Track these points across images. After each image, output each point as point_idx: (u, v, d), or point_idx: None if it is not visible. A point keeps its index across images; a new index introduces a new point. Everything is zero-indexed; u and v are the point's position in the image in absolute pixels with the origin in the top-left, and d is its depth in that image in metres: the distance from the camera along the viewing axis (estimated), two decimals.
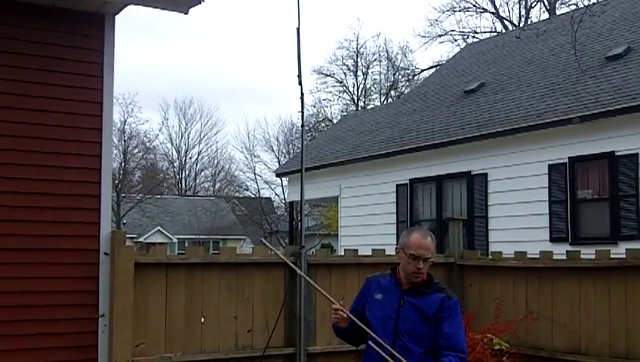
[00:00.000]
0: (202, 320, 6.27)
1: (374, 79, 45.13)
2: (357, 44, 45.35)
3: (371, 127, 19.08)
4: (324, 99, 45.85)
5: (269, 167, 44.56)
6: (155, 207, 45.93)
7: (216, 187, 59.39)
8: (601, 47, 14.53)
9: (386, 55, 44.57)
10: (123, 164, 43.25)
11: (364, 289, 4.08)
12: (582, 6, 14.99)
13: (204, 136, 59.41)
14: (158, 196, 48.54)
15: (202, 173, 60.75)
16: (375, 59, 44.84)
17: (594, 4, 13.01)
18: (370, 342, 3.81)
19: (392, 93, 43.20)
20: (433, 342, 3.78)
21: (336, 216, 22.24)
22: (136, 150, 46.21)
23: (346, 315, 3.87)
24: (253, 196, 47.98)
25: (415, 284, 3.86)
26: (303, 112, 6.37)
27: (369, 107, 39.36)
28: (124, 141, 43.48)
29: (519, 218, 13.02)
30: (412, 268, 3.81)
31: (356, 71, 45.11)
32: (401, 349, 3.77)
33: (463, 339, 3.87)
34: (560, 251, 8.02)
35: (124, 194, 42.57)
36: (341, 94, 45.26)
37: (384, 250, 7.31)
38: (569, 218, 12.30)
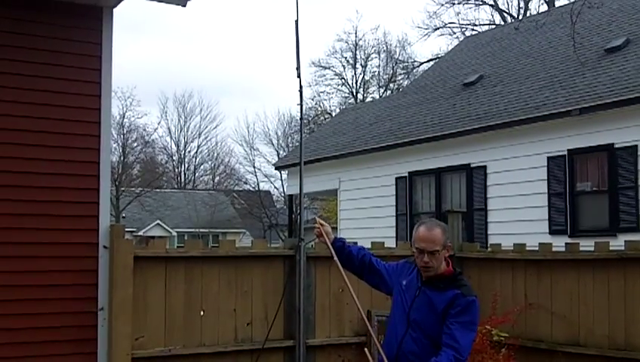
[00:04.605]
0: (202, 313, 6.27)
1: (373, 72, 45.16)
2: (356, 37, 45.41)
3: (370, 120, 19.07)
4: (323, 92, 45.77)
5: (269, 161, 44.60)
6: (154, 200, 45.88)
7: (216, 180, 59.36)
8: (600, 40, 14.52)
9: (385, 48, 44.61)
10: (122, 157, 43.23)
11: (398, 267, 4.10)
12: None
13: (203, 130, 59.41)
14: (158, 190, 48.50)
15: (201, 167, 60.75)
16: (374, 52, 44.88)
17: None
18: (380, 344, 3.88)
19: (391, 86, 43.18)
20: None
21: (335, 208, 22.24)
22: (135, 144, 46.23)
23: (320, 234, 4.08)
24: (252, 189, 48.01)
25: (432, 278, 3.82)
26: (301, 105, 6.35)
27: (368, 100, 39.35)
28: (123, 135, 43.49)
29: (518, 210, 13.03)
30: (420, 263, 3.82)
31: (355, 64, 45.11)
32: (411, 339, 3.79)
33: (466, 340, 3.66)
34: (559, 243, 8.03)
35: (123, 188, 42.53)
36: (340, 87, 45.29)
37: (383, 242, 7.31)
38: (568, 210, 12.31)
